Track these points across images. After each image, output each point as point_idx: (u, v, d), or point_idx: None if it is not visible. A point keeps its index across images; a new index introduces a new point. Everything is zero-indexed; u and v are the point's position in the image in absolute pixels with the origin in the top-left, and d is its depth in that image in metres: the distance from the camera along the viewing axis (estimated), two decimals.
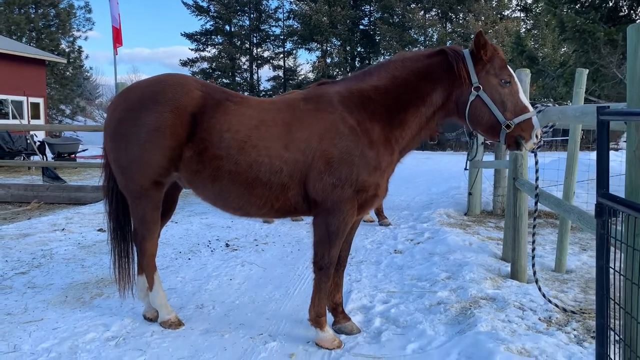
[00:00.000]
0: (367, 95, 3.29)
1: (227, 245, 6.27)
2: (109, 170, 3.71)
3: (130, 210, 3.67)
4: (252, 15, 42.68)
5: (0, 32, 33.39)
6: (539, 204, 3.70)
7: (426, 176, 14.34)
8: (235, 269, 5.25)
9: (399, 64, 3.34)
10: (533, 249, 3.78)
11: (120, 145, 3.43)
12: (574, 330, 3.49)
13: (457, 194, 9.50)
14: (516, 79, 3.22)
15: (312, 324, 3.50)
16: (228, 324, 3.86)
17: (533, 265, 3.80)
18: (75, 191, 9.79)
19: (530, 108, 3.19)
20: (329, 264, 3.38)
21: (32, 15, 37.94)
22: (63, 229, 6.95)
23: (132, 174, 3.43)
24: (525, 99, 3.21)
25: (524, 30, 33.75)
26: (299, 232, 7.04)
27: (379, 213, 7.40)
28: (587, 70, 4.68)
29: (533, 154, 3.47)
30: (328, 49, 39.75)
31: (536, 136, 3.17)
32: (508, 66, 3.22)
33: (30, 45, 34.02)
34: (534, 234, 3.76)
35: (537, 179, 3.65)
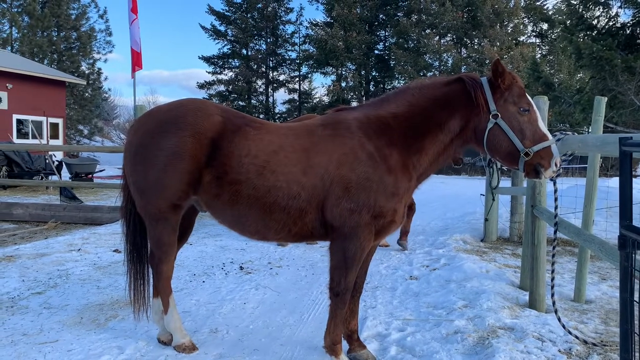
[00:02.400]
0: (385, 122, 3.30)
1: (241, 268, 6.26)
2: (128, 192, 3.75)
3: (148, 233, 3.69)
4: (268, 40, 43.28)
5: (23, 54, 34.33)
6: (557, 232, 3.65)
7: (441, 201, 14.25)
8: (249, 293, 5.23)
9: (417, 91, 3.35)
10: (552, 278, 3.72)
11: (140, 168, 3.46)
12: None
13: (472, 220, 9.42)
14: (535, 107, 3.21)
15: (327, 351, 3.46)
16: (242, 349, 3.83)
17: (552, 295, 3.73)
18: (91, 211, 9.87)
19: (550, 136, 3.17)
20: (345, 289, 3.35)
21: (54, 38, 38.98)
22: (79, 249, 7.00)
23: (150, 196, 3.46)
24: (544, 127, 3.19)
25: (539, 56, 33.81)
26: (313, 255, 7.01)
27: (404, 233, 7.36)
28: (606, 98, 4.66)
29: (552, 182, 3.44)
30: (343, 73, 40.08)
31: (555, 164, 3.15)
32: (527, 94, 3.22)
33: (51, 67, 34.85)
34: (553, 263, 3.70)
35: (556, 207, 3.62)
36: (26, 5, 36.64)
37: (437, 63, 36.68)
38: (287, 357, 3.70)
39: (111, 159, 27.91)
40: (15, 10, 37.29)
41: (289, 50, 44.09)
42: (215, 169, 3.32)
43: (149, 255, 3.81)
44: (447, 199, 14.60)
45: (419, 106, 3.30)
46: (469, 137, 3.28)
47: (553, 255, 3.67)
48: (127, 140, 3.62)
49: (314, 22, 41.99)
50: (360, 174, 3.18)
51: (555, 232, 3.62)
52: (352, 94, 39.53)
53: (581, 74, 29.82)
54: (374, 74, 40.99)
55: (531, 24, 36.71)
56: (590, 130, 4.59)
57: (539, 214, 4.42)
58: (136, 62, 9.75)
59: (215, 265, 6.35)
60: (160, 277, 3.70)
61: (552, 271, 3.71)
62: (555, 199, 3.57)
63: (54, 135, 26.21)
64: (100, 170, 16.49)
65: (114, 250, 7.01)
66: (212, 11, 42.45)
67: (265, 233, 3.41)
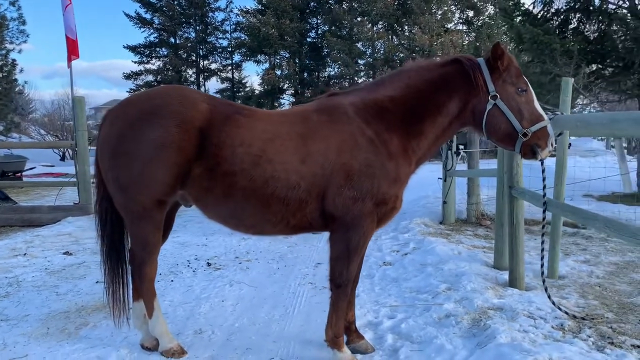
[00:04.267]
0: (383, 106, 3.20)
1: (208, 264, 5.99)
2: (103, 189, 3.43)
3: (129, 232, 3.41)
4: (197, 27, 41.99)
5: None
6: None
7: None
8: (225, 290, 5.00)
9: (413, 73, 3.27)
10: (542, 257, 3.79)
11: (121, 162, 3.16)
12: (590, 337, 3.48)
13: (427, 203, 9.56)
14: (530, 87, 3.21)
15: (330, 344, 3.35)
16: (234, 349, 3.64)
17: (542, 274, 3.81)
18: (29, 212, 9.15)
19: (545, 116, 3.19)
20: (347, 280, 3.24)
21: None
22: (25, 254, 6.46)
23: (133, 193, 3.17)
24: (539, 107, 3.20)
25: (466, 42, 34.91)
26: (279, 247, 6.84)
27: None
28: (572, 79, 4.79)
29: (540, 162, 3.46)
30: (277, 61, 39.64)
31: (551, 144, 3.18)
32: (523, 75, 3.22)
33: None
34: (543, 242, 3.76)
35: (544, 187, 3.65)
36: None
37: (370, 50, 37.04)
38: (284, 354, 3.55)
39: (37, 156, 26.22)
40: None
41: (219, 38, 43.00)
42: (205, 160, 3.09)
43: (129, 256, 3.51)
44: None
45: (416, 88, 3.21)
46: (468, 119, 3.23)
47: (543, 235, 3.74)
48: (102, 133, 3.29)
49: (245, 10, 41.19)
50: (362, 160, 3.07)
51: (544, 212, 3.66)
52: (287, 82, 39.21)
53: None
54: (307, 62, 40.77)
55: (458, 11, 37.78)
56: (560, 111, 4.68)
57: (519, 195, 4.49)
58: (72, 50, 9.04)
59: (180, 263, 6.05)
60: (144, 279, 3.42)
61: (542, 250, 3.77)
62: (543, 179, 3.60)
63: None
64: (31, 168, 15.34)
65: (65, 253, 6.54)
66: None
67: (263, 227, 3.23)
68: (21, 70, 41.08)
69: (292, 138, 3.12)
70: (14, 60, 39.55)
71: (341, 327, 3.35)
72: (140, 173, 3.12)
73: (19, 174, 13.79)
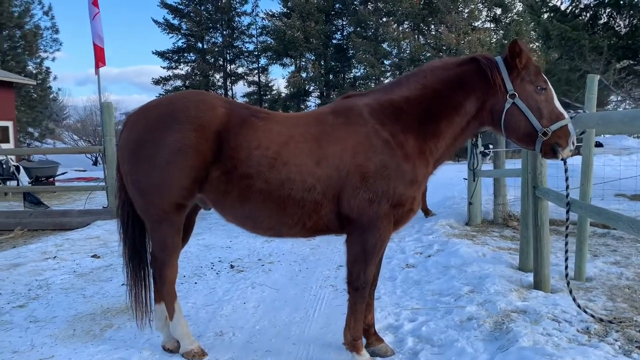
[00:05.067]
0: (399, 107, 3.17)
1: (232, 266, 6.04)
2: (124, 194, 3.50)
3: (150, 235, 3.47)
4: (224, 32, 42.54)
5: None
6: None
7: None
8: (247, 292, 5.04)
9: (429, 73, 3.24)
10: (566, 259, 3.70)
11: (140, 167, 3.22)
12: (616, 341, 3.38)
13: (453, 204, 9.43)
14: (550, 85, 3.14)
15: (348, 347, 3.33)
16: (254, 351, 3.66)
17: (567, 275, 3.71)
18: (60, 216, 9.39)
19: (566, 114, 3.11)
20: (365, 283, 3.22)
21: None
22: (55, 257, 6.62)
23: (153, 197, 3.23)
24: (559, 105, 3.13)
25: (494, 40, 34.40)
26: (302, 249, 6.85)
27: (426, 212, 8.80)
28: (598, 76, 4.67)
29: (563, 162, 3.37)
30: (302, 63, 39.82)
31: (572, 143, 3.10)
32: (542, 72, 3.15)
33: None
34: (566, 243, 3.67)
35: (567, 187, 3.56)
36: None
37: (395, 51, 36.84)
38: (303, 357, 3.55)
39: (71, 162, 26.92)
40: None
41: (246, 42, 43.54)
42: (223, 164, 3.12)
43: (150, 259, 3.57)
44: None
45: (432, 89, 3.17)
46: (486, 119, 3.18)
47: (566, 236, 3.64)
48: (122, 138, 3.36)
49: (270, 13, 41.52)
50: (377, 162, 3.05)
51: (567, 212, 3.57)
52: (312, 84, 39.34)
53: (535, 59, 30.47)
54: (332, 63, 40.82)
55: (485, 9, 37.26)
56: (585, 109, 4.57)
57: (543, 195, 4.40)
58: (99, 58, 9.28)
59: (204, 266, 6.12)
60: (165, 282, 3.47)
61: (566, 252, 3.68)
62: (566, 179, 3.51)
63: (4, 139, 24.86)
64: (63, 173, 15.76)
65: (93, 256, 6.68)
66: (164, 5, 41.39)
67: (279, 229, 3.24)
68: (55, 78, 42.31)
69: (308, 140, 3.13)
70: (48, 68, 40.89)
71: (359, 329, 3.33)
72: (159, 177, 3.17)
73: (52, 179, 14.19)
